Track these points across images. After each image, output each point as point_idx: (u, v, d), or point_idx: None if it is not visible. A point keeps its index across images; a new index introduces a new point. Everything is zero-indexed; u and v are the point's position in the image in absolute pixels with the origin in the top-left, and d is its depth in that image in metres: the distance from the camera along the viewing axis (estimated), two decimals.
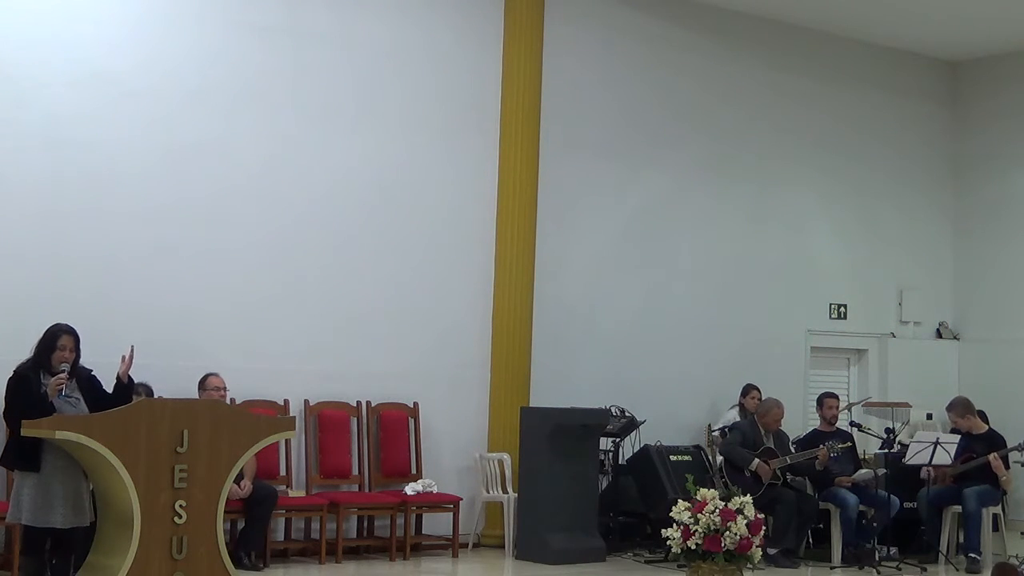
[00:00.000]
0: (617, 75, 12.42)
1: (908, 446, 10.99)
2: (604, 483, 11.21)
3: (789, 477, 10.89)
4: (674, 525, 8.15)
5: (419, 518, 10.70)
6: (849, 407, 12.80)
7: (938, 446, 10.63)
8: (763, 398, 11.65)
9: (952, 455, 10.71)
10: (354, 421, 10.67)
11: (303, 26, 10.68)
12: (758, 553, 8.18)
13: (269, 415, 9.48)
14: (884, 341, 14.27)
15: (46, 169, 9.51)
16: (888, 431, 11.07)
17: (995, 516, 11.12)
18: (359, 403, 10.72)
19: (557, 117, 11.80)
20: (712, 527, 8.02)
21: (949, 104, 14.92)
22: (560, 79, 11.85)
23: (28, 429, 7.32)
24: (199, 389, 9.48)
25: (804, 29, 13.71)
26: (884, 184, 14.31)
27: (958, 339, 14.65)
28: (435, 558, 10.53)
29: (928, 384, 13.93)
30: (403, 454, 10.80)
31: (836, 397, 11.52)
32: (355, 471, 10.58)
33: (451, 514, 10.58)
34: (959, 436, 11.02)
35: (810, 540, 11.10)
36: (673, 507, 8.26)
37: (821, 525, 11.06)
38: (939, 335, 14.66)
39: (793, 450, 11.00)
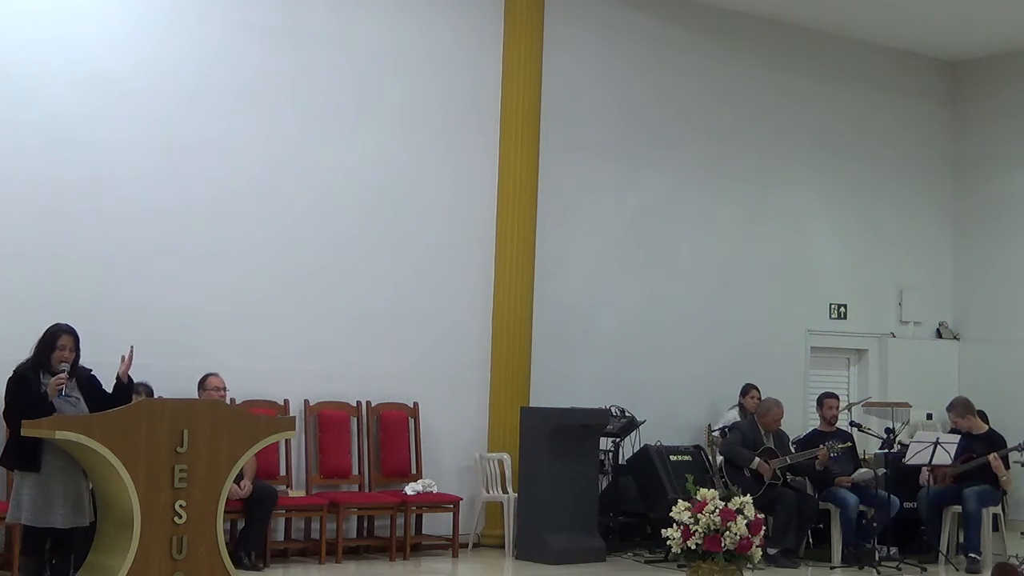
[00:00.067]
0: (617, 75, 12.42)
1: (908, 446, 10.99)
2: (604, 483, 11.21)
3: (789, 477, 10.89)
4: (674, 525, 8.15)
5: (419, 518, 10.70)
6: (849, 407, 12.79)
7: (938, 446, 10.63)
8: (763, 398, 11.65)
9: (952, 455, 10.71)
10: (354, 421, 10.68)
11: (303, 26, 10.68)
12: (758, 553, 8.17)
13: (269, 415, 9.49)
14: (884, 341, 14.27)
15: (46, 169, 9.51)
16: (888, 431, 11.07)
17: (995, 516, 11.12)
18: (359, 403, 10.72)
19: (557, 117, 11.80)
20: (712, 527, 8.02)
21: (949, 104, 14.92)
22: (560, 79, 11.85)
23: (28, 429, 7.32)
24: (199, 389, 9.48)
25: (804, 29, 13.71)
26: (884, 184, 14.31)
27: (958, 339, 14.65)
28: (435, 558, 10.53)
29: (928, 384, 13.93)
30: (403, 454, 10.80)
31: (836, 397, 11.52)
32: (355, 471, 10.58)
33: (451, 514, 10.58)
34: (959, 436, 11.01)
35: (810, 540, 11.10)
36: (673, 507, 8.25)
37: (821, 525, 11.06)
38: (939, 335, 14.67)
39: (793, 450, 11.00)
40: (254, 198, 10.37)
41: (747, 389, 12.17)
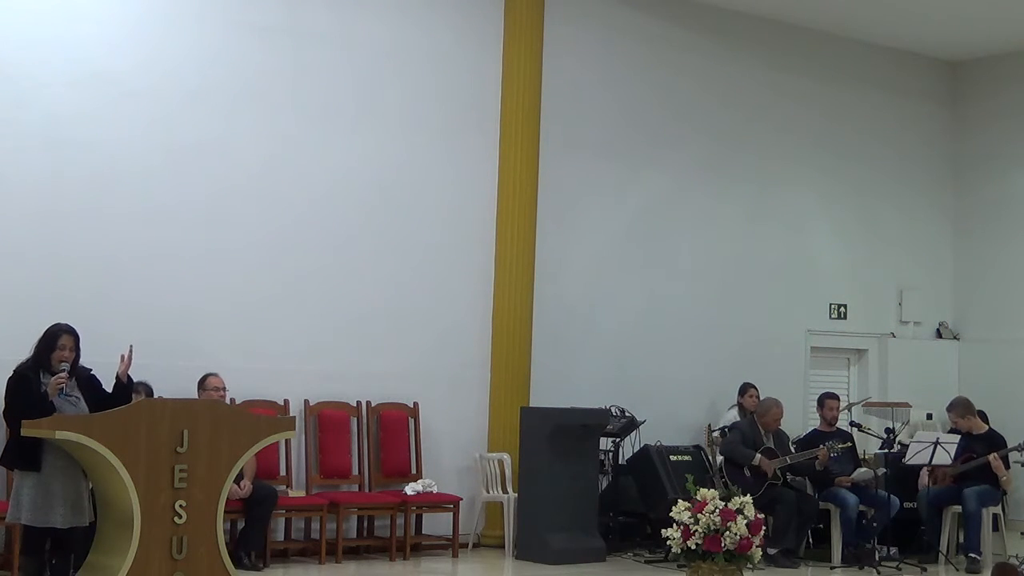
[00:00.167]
0: (617, 75, 12.42)
1: (908, 446, 10.99)
2: (604, 483, 11.21)
3: (789, 477, 10.89)
4: (674, 525, 8.14)
5: (419, 518, 10.70)
6: (849, 407, 12.79)
7: (938, 446, 10.63)
8: (761, 396, 11.65)
9: (952, 455, 10.71)
10: (354, 421, 10.68)
11: (303, 26, 10.68)
12: (758, 553, 8.17)
13: (269, 415, 9.48)
14: (884, 341, 14.27)
15: (46, 169, 9.51)
16: (888, 431, 11.08)
17: (995, 516, 11.12)
18: (359, 403, 10.72)
19: (557, 117, 11.80)
20: (712, 527, 8.01)
21: (949, 104, 14.92)
22: (560, 79, 11.85)
23: (28, 429, 7.32)
24: (199, 389, 9.48)
25: (804, 29, 13.71)
26: (884, 184, 14.31)
27: (958, 339, 14.65)
28: (435, 558, 10.53)
29: (928, 384, 13.93)
30: (403, 454, 10.80)
31: (837, 398, 11.51)
32: (355, 471, 10.58)
33: (451, 514, 10.58)
34: (959, 436, 11.01)
35: (810, 540, 11.10)
36: (673, 507, 8.25)
37: (821, 525, 11.06)
38: (939, 335, 14.66)
39: (793, 450, 11.00)
40: (254, 198, 10.37)
41: (745, 388, 12.18)
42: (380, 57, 11.03)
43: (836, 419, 11.30)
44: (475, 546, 11.01)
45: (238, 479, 8.87)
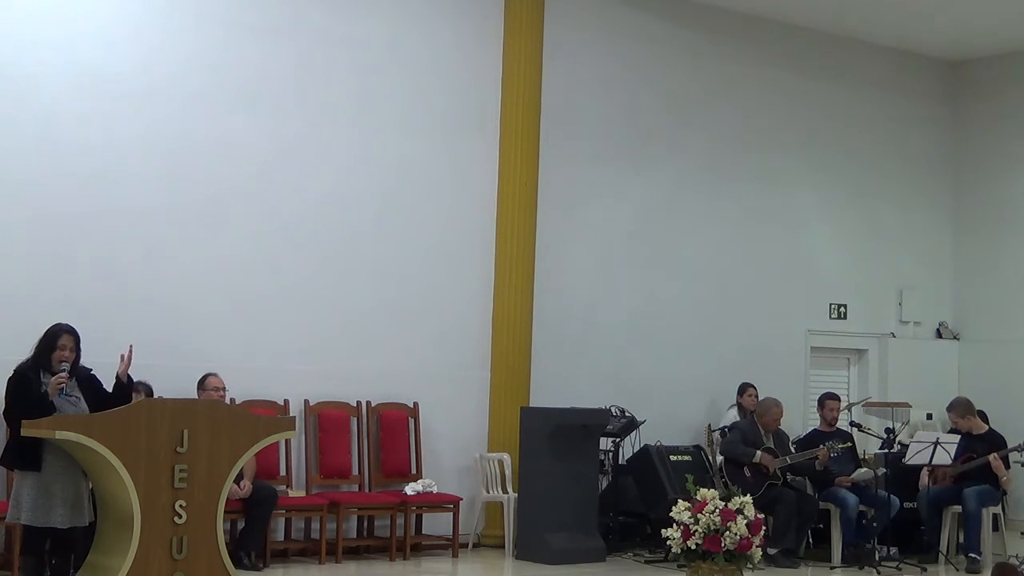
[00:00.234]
0: (617, 75, 12.42)
1: (908, 446, 10.99)
2: (604, 483, 11.21)
3: (789, 477, 10.89)
4: (674, 525, 8.14)
5: (419, 518, 10.70)
6: (849, 407, 12.79)
7: (938, 446, 10.63)
8: (760, 396, 11.65)
9: (952, 455, 10.71)
10: (354, 421, 10.68)
11: (304, 26, 10.68)
12: (758, 553, 8.17)
13: (269, 415, 9.47)
14: (884, 341, 14.27)
15: (46, 169, 9.51)
16: (888, 431, 11.07)
17: (995, 516, 11.12)
18: (359, 403, 10.72)
19: (557, 117, 11.80)
20: (712, 527, 8.01)
21: (949, 104, 14.92)
22: (560, 79, 11.85)
23: (28, 429, 7.31)
24: (199, 389, 9.48)
25: (804, 29, 13.71)
26: (884, 184, 14.31)
27: (958, 339, 14.65)
28: (435, 558, 10.53)
29: (928, 384, 13.94)
30: (403, 454, 10.80)
31: (838, 398, 11.50)
32: (355, 471, 10.58)
33: (451, 514, 10.58)
34: (959, 436, 11.01)
35: (810, 540, 11.09)
36: (673, 507, 8.25)
37: (821, 525, 11.05)
38: (939, 335, 14.66)
39: (793, 450, 11.00)
40: (254, 198, 10.37)
41: (744, 388, 12.19)
42: (380, 57, 11.03)
43: (836, 419, 11.29)
44: (475, 546, 11.01)
45: (238, 479, 8.87)
